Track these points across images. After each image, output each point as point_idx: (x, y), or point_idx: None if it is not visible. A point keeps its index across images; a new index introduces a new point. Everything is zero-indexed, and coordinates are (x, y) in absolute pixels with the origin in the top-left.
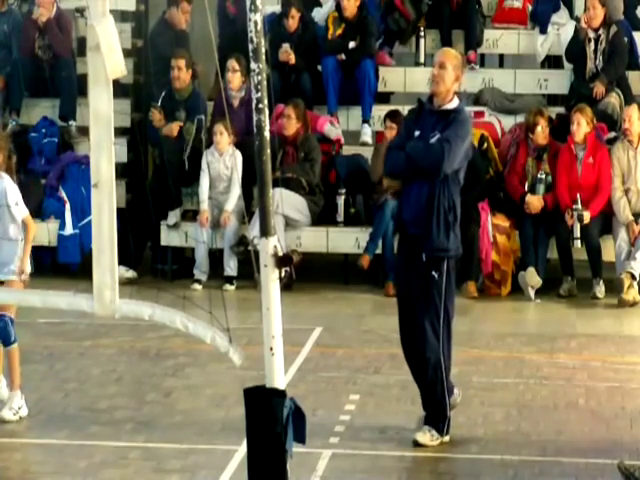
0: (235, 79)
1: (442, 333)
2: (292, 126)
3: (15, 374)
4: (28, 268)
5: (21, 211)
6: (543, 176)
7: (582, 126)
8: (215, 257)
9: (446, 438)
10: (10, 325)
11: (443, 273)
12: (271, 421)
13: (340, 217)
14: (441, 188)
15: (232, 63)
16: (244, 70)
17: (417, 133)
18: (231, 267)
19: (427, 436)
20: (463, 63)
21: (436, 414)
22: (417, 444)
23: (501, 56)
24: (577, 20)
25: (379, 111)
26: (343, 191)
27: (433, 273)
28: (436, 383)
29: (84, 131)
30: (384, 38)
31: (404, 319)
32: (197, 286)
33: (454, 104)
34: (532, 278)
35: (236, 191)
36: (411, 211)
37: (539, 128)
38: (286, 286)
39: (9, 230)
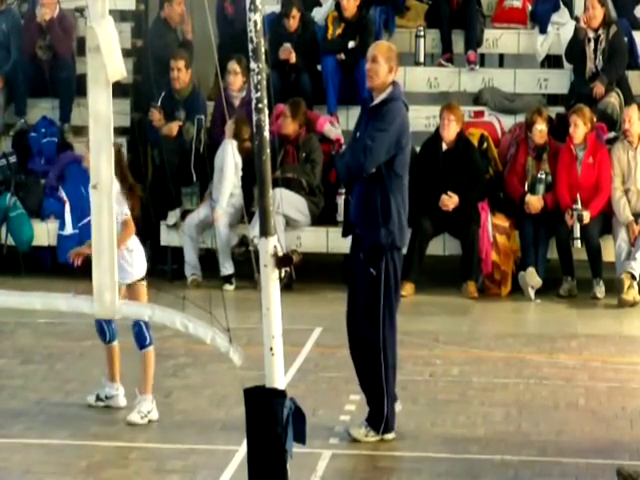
0: (237, 81)
1: (382, 328)
2: (288, 125)
3: (147, 378)
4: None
5: (123, 210)
6: (543, 176)
7: (580, 127)
8: (214, 257)
9: (389, 436)
10: (144, 329)
11: (381, 270)
12: (271, 421)
13: (340, 217)
14: (374, 186)
15: (233, 65)
16: (245, 71)
17: (358, 135)
18: (226, 267)
19: (361, 431)
20: (396, 54)
21: (373, 411)
22: (351, 438)
23: (501, 56)
24: (577, 20)
25: None
26: (343, 191)
27: (371, 270)
28: (374, 380)
29: (83, 131)
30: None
31: (350, 313)
32: (195, 278)
33: (382, 96)
34: (532, 278)
35: (226, 186)
36: (354, 212)
37: (537, 127)
38: (286, 286)
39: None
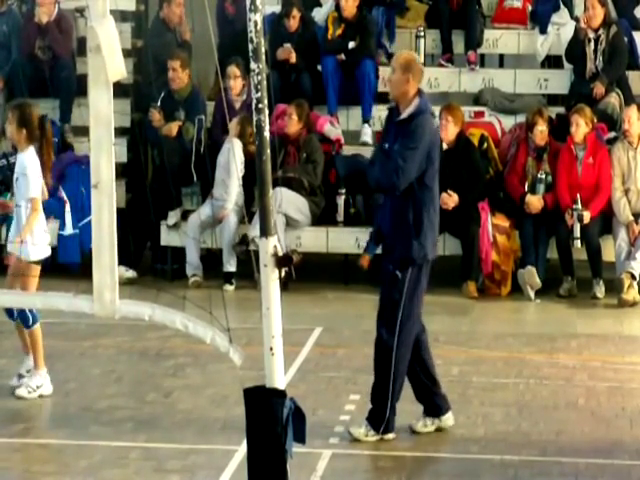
0: (237, 85)
1: (398, 332)
2: (294, 125)
3: (37, 354)
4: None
5: (30, 189)
6: (543, 176)
7: (581, 127)
8: (215, 257)
9: (389, 436)
10: (26, 309)
11: (406, 276)
12: (271, 421)
13: (340, 217)
14: (406, 200)
15: (232, 69)
16: (244, 74)
17: (386, 146)
18: (231, 264)
19: (361, 430)
20: (418, 64)
21: (375, 410)
22: (352, 437)
23: (501, 56)
24: (577, 20)
25: (379, 111)
26: (343, 191)
27: (397, 272)
28: (382, 380)
29: (83, 131)
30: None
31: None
32: (196, 279)
33: (410, 110)
34: (531, 278)
35: (234, 184)
36: (384, 224)
37: (538, 128)
38: (283, 285)
39: (26, 202)
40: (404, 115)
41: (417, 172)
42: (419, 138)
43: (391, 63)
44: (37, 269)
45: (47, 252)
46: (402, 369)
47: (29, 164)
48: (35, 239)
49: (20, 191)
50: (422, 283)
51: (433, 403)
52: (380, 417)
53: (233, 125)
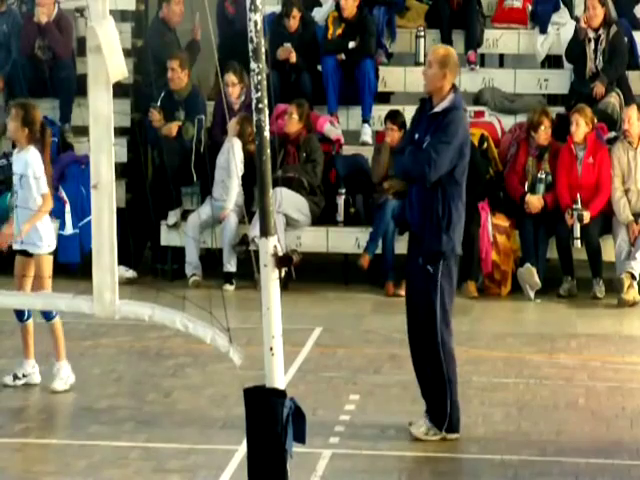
0: (235, 91)
1: (440, 328)
2: (294, 125)
3: (59, 346)
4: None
5: (40, 187)
6: (543, 176)
7: (581, 126)
8: (215, 257)
9: (452, 435)
10: None
11: (438, 269)
12: (271, 421)
13: (340, 217)
14: (435, 193)
15: (230, 77)
16: (242, 78)
17: (417, 136)
18: (231, 264)
19: (422, 429)
20: (454, 59)
21: (434, 408)
22: (413, 437)
23: (501, 56)
24: (577, 20)
25: (379, 111)
26: (343, 191)
27: (428, 267)
28: (436, 375)
29: (83, 131)
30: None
31: (409, 315)
32: (195, 279)
33: (444, 104)
34: (530, 277)
35: (235, 184)
36: (412, 213)
37: (542, 128)
38: (283, 285)
39: (29, 201)
40: (438, 109)
41: (449, 167)
42: (453, 133)
43: (427, 57)
44: (51, 260)
45: (54, 241)
46: (450, 360)
47: (35, 162)
48: (46, 231)
49: (29, 189)
50: (453, 276)
51: None
52: (442, 414)
53: (233, 125)
